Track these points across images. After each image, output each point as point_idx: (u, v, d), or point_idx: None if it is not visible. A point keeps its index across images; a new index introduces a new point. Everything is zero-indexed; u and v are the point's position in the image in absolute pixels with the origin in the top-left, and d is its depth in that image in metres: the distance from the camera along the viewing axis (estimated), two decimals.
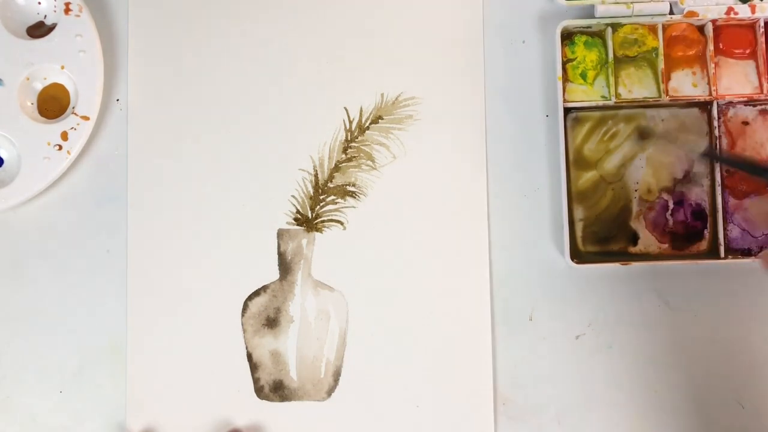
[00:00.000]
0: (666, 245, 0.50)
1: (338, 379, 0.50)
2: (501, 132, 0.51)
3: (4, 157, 0.51)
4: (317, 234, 0.51)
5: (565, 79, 0.50)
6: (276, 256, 0.51)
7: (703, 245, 0.50)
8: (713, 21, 0.50)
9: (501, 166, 0.51)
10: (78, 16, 0.51)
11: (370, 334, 0.50)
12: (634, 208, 0.50)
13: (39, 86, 0.52)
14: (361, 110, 0.52)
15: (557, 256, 0.50)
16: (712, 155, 0.44)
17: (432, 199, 0.51)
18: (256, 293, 0.51)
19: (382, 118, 0.52)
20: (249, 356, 0.50)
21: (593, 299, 0.50)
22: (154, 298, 0.51)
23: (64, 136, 0.50)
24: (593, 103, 0.50)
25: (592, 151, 0.51)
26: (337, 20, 0.52)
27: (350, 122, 0.52)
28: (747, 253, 0.50)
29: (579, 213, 0.50)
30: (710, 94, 0.50)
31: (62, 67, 0.51)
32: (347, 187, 0.51)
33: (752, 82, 0.51)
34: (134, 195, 0.51)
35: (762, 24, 0.50)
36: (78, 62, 0.51)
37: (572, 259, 0.48)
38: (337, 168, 0.52)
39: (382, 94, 0.52)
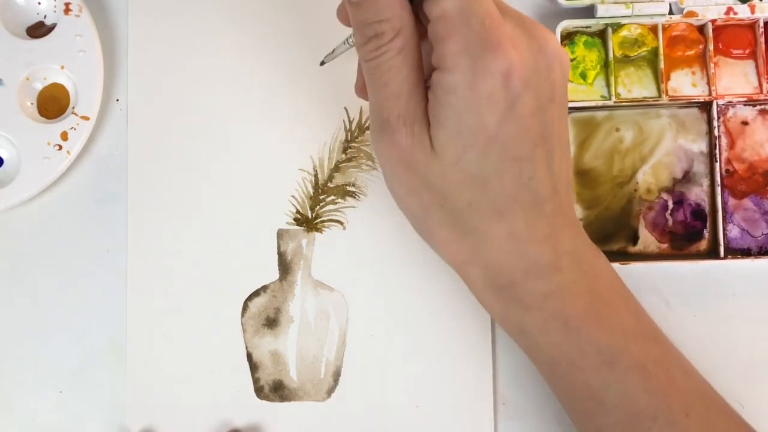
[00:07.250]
0: (666, 245, 0.50)
1: (338, 379, 0.50)
2: None
3: (4, 157, 0.51)
4: (317, 234, 0.51)
5: None
6: (276, 256, 0.51)
7: (703, 245, 0.50)
8: (713, 21, 0.50)
9: None
10: (78, 16, 0.51)
11: (370, 334, 0.50)
12: (634, 208, 0.50)
13: (39, 86, 0.52)
14: (361, 110, 0.52)
15: None
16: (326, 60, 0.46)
17: None
18: (255, 293, 0.51)
19: None
20: (249, 356, 0.50)
21: None
22: (154, 297, 0.51)
23: (64, 136, 0.50)
24: (593, 103, 0.50)
25: (593, 150, 0.51)
26: (337, 20, 0.52)
27: (350, 122, 0.52)
28: (747, 253, 0.50)
29: (579, 212, 0.50)
30: (710, 94, 0.50)
31: (62, 67, 0.51)
32: (347, 187, 0.51)
33: (752, 82, 0.51)
34: (134, 195, 0.51)
35: (762, 24, 0.50)
36: (78, 62, 0.51)
37: None
38: (337, 168, 0.52)
39: None
